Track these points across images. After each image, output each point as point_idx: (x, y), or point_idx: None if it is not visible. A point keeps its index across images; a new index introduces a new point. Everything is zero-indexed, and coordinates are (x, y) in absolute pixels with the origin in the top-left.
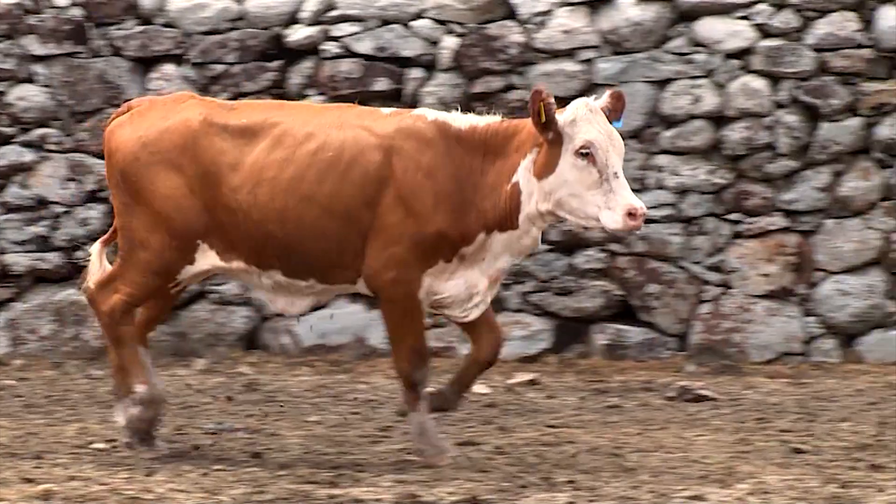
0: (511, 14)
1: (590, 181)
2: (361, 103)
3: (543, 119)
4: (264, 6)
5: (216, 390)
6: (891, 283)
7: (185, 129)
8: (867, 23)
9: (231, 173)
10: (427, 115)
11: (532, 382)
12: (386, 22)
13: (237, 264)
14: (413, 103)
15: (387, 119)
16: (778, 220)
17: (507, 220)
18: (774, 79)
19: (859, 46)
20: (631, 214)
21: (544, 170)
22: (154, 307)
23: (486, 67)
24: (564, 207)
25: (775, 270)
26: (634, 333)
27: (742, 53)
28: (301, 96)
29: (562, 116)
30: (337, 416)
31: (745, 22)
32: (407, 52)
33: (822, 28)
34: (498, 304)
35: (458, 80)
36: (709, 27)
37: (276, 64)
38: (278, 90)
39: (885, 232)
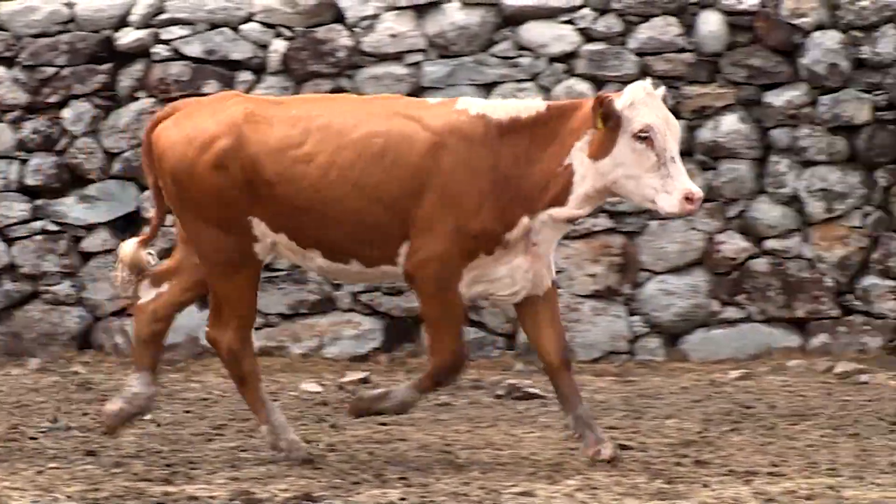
0: (339, 18)
1: (647, 164)
2: None
3: (601, 126)
4: (94, 9)
5: (50, 390)
6: (714, 283)
7: (232, 124)
8: (688, 27)
9: (276, 162)
10: (470, 108)
11: (363, 381)
12: (215, 25)
13: (282, 237)
14: None
15: (434, 111)
16: (603, 222)
17: (557, 200)
18: (598, 82)
19: (681, 51)
20: (688, 199)
21: (600, 151)
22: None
23: (315, 70)
24: (620, 189)
25: (601, 271)
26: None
27: (566, 57)
28: (131, 99)
29: (620, 100)
30: (171, 414)
31: (569, 26)
32: (236, 55)
33: (645, 32)
34: (329, 304)
35: (286, 82)
36: (533, 31)
37: (106, 67)
38: (109, 92)
39: (708, 233)
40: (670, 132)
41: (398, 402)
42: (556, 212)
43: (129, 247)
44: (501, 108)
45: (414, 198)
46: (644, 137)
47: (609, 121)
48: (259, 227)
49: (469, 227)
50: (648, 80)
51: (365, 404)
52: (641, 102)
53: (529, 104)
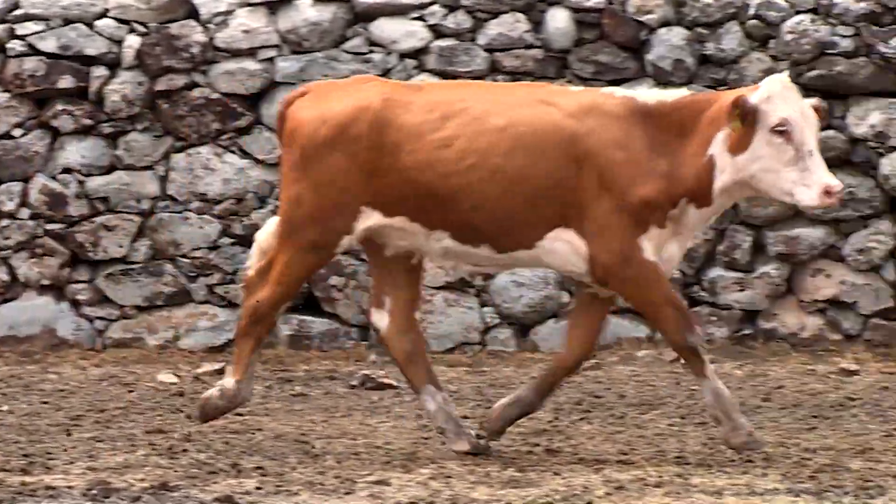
0: (193, 14)
1: (785, 158)
2: (46, 101)
3: (738, 126)
4: None
5: None
6: (562, 274)
7: (366, 106)
8: (537, 24)
9: (413, 146)
10: (615, 92)
11: (220, 372)
12: (69, 21)
13: (399, 220)
14: (98, 101)
15: (576, 97)
16: None
17: (704, 193)
18: (449, 77)
19: (529, 47)
20: (827, 192)
21: (739, 146)
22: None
23: (169, 65)
24: (758, 183)
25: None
26: (318, 324)
27: (417, 53)
28: None
29: (756, 94)
30: (28, 405)
31: (419, 23)
32: (91, 51)
33: (494, 29)
34: (185, 296)
35: (141, 77)
36: (384, 28)
37: None
38: None
39: None
40: (808, 125)
41: (713, 400)
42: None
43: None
44: (648, 93)
45: (563, 188)
46: (782, 131)
47: (747, 119)
48: (366, 217)
49: (629, 198)
50: (785, 74)
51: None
52: (778, 96)
53: (675, 92)
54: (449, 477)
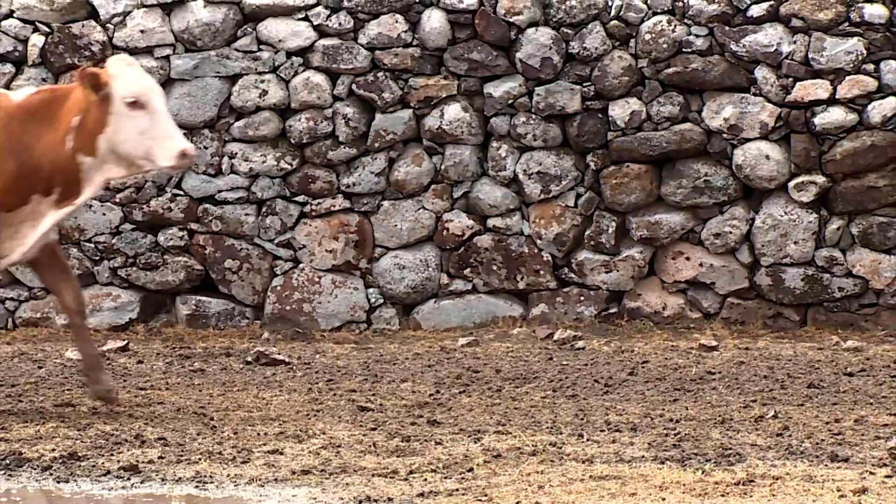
0: (93, 15)
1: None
2: None
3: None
4: None
5: None
6: (442, 257)
7: None
8: (414, 24)
9: None
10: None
11: (123, 349)
12: None
13: None
14: None
15: None
16: (340, 202)
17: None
18: (333, 74)
19: (407, 45)
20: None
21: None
22: None
23: (72, 63)
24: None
25: (339, 247)
26: (215, 304)
27: (303, 51)
28: None
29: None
30: None
31: (304, 23)
32: None
33: (374, 29)
34: (90, 278)
35: (45, 74)
36: (272, 27)
37: None
38: None
39: (436, 212)
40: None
41: None
42: None
43: None
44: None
45: None
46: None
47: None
48: None
49: None
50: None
51: None
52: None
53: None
54: (339, 447)
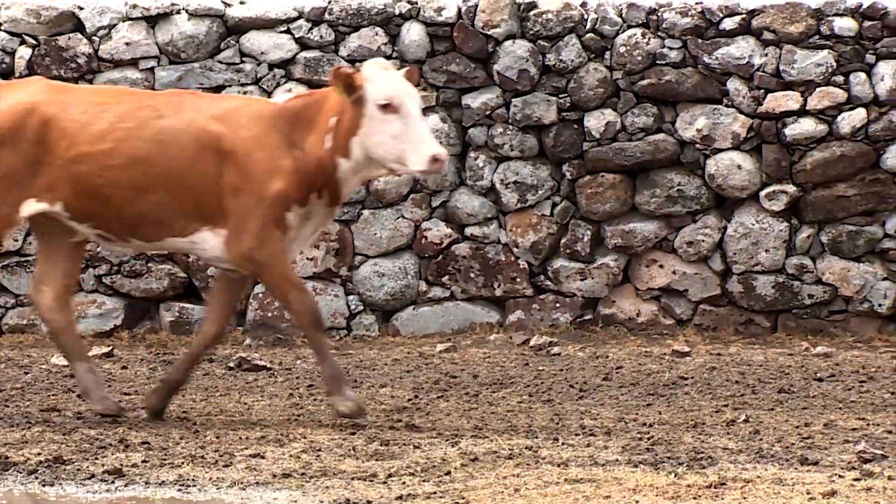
0: (79, 27)
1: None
2: None
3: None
4: None
5: None
6: (421, 265)
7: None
8: (394, 37)
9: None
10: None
11: (108, 355)
12: None
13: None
14: None
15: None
16: None
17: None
18: (314, 86)
19: (387, 58)
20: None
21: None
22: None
23: (58, 75)
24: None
25: (320, 255)
26: (198, 311)
27: (285, 63)
28: None
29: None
30: None
31: (287, 35)
32: None
33: (355, 42)
34: (76, 286)
35: None
36: (255, 40)
37: None
38: None
39: (414, 221)
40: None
41: None
42: None
43: None
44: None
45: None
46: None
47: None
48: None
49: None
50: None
51: None
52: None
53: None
54: (319, 450)
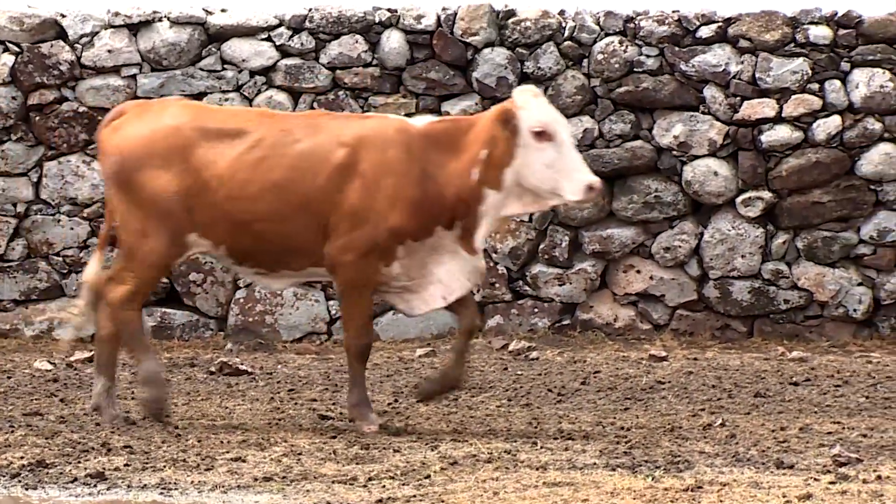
0: (62, 35)
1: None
2: None
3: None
4: None
5: None
6: None
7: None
8: (374, 45)
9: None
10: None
11: (90, 360)
12: None
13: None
14: None
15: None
16: None
17: None
18: (295, 93)
19: (367, 65)
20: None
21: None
22: None
23: (41, 82)
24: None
25: None
26: (179, 316)
27: (266, 71)
28: None
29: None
30: None
31: (267, 43)
32: None
33: (335, 49)
34: (58, 291)
35: (15, 92)
36: (236, 47)
37: None
38: None
39: None
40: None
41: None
42: None
43: None
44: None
45: None
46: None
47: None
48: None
49: None
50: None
51: None
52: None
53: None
54: (300, 454)
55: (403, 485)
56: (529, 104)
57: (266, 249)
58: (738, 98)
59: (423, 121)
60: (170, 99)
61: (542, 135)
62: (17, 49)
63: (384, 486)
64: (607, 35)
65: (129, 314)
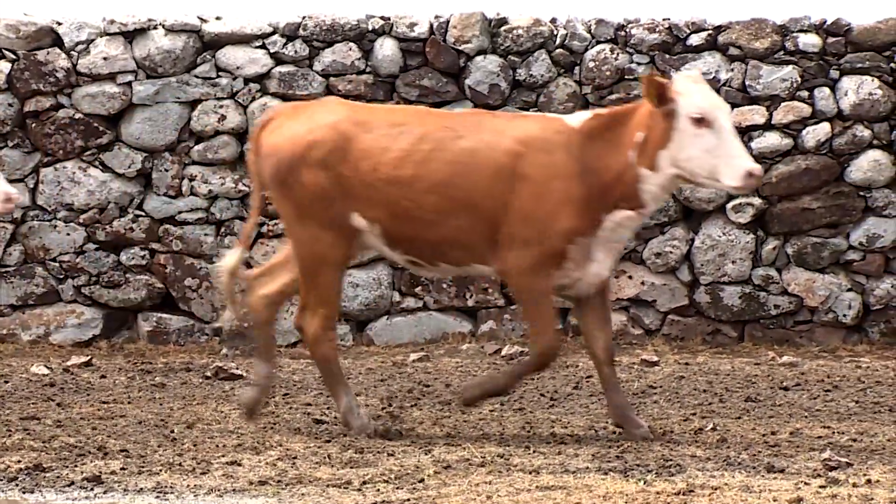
0: (58, 42)
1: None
2: None
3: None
4: None
5: None
6: (394, 276)
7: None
8: (367, 52)
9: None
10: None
11: (87, 364)
12: None
13: None
14: None
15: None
16: None
17: None
18: (289, 100)
19: (360, 72)
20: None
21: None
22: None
23: (37, 89)
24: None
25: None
26: (175, 321)
27: (260, 78)
28: None
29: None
30: None
31: (262, 51)
32: None
33: (329, 56)
34: (54, 296)
35: (12, 99)
36: (231, 55)
37: None
38: None
39: None
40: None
41: None
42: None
43: None
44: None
45: None
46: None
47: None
48: None
49: None
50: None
51: None
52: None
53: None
54: (295, 458)
55: (397, 488)
56: (689, 90)
57: (424, 239)
58: (729, 105)
59: (579, 117)
60: (325, 99)
61: (701, 121)
62: (13, 56)
63: (378, 490)
64: (598, 43)
65: (326, 350)
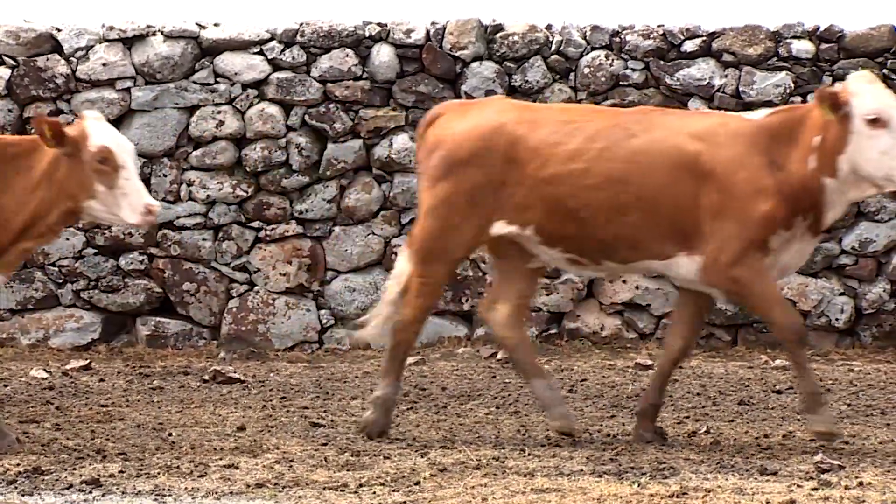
0: (57, 49)
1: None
2: None
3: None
4: None
5: None
6: None
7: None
8: (364, 58)
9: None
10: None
11: (85, 368)
12: None
13: None
14: None
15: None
16: (294, 228)
17: None
18: (286, 106)
19: (357, 78)
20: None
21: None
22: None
23: (36, 95)
24: None
25: (292, 270)
26: (173, 325)
27: (258, 84)
28: None
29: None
30: None
31: (259, 57)
32: None
33: (326, 63)
34: (54, 300)
35: (11, 105)
36: (229, 61)
37: None
38: None
39: (384, 237)
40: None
41: None
42: None
43: None
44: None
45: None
46: None
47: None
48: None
49: None
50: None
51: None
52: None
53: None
54: (292, 461)
55: (394, 491)
56: (863, 91)
57: (592, 237)
58: (723, 111)
59: (759, 114)
60: (495, 97)
61: (877, 122)
62: (13, 63)
63: (375, 493)
64: (594, 49)
65: (515, 337)
